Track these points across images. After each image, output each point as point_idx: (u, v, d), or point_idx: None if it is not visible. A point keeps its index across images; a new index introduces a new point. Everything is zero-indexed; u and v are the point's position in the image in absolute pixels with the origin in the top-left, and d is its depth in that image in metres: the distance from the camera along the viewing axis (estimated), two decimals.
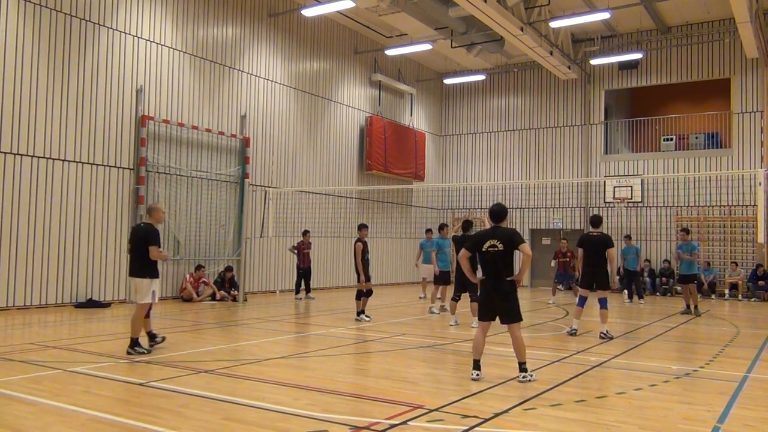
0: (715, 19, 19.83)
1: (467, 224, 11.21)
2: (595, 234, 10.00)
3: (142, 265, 7.80)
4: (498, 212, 6.77)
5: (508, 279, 6.56)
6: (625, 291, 17.26)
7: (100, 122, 13.53)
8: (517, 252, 6.60)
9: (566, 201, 21.98)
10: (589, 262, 9.94)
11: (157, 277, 7.95)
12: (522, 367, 6.44)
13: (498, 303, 6.55)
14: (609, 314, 10.13)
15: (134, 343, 7.70)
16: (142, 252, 7.76)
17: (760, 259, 18.68)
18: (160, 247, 7.85)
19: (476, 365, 6.52)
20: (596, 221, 10.15)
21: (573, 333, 9.81)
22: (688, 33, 20.37)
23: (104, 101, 13.61)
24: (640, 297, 16.70)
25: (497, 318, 6.63)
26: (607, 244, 9.84)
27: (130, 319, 7.95)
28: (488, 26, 16.83)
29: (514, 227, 23.07)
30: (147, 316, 8.01)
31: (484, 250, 6.58)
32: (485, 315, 6.64)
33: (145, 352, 7.69)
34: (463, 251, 6.79)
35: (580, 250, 10.12)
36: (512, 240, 6.52)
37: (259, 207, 16.19)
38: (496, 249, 6.49)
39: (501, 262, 6.51)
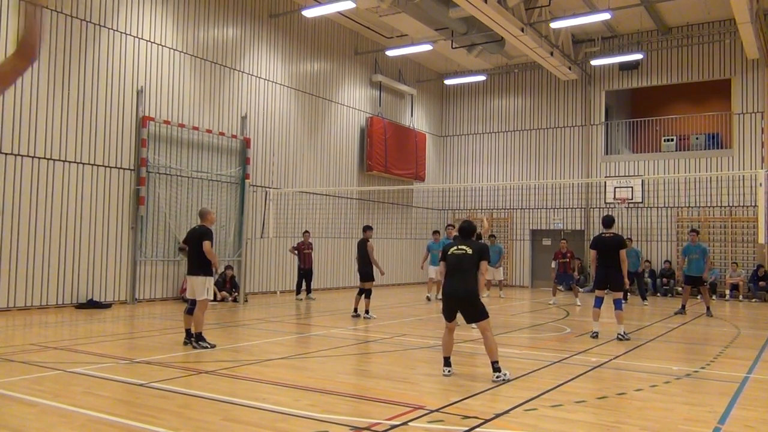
0: (716, 19, 19.83)
1: (608, 220, 11.15)
2: (607, 235, 9.95)
3: (197, 264, 8.35)
4: (466, 229, 7.10)
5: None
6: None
7: (100, 123, 13.54)
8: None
9: (567, 201, 21.98)
10: (602, 264, 9.87)
11: (211, 275, 8.50)
12: (495, 367, 6.50)
13: (462, 305, 6.75)
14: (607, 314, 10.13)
15: (199, 337, 8.23)
16: (198, 251, 8.31)
17: (760, 259, 18.67)
18: (210, 242, 8.35)
19: (446, 362, 6.83)
20: (608, 222, 10.09)
21: (595, 336, 9.76)
22: (688, 33, 20.37)
23: (105, 102, 13.62)
24: (643, 298, 16.62)
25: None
26: (620, 245, 9.82)
27: (202, 321, 8.38)
28: (489, 27, 16.83)
29: (513, 229, 23.11)
30: (190, 313, 8.43)
31: (450, 253, 6.87)
32: (448, 315, 6.88)
33: (209, 347, 8.17)
34: (441, 264, 7.06)
35: (593, 252, 10.08)
36: (482, 251, 6.82)
37: (260, 208, 16.19)
38: (465, 252, 6.78)
39: (468, 264, 6.73)
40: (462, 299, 6.74)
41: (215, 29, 16.14)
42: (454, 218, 24.00)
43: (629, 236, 18.60)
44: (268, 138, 17.60)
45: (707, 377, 7.00)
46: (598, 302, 9.99)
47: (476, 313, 6.71)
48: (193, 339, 8.29)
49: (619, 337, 9.59)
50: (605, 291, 10.00)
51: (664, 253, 20.18)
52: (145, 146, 14.12)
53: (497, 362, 6.52)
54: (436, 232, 16.30)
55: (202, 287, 8.33)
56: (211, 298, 8.62)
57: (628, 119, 23.84)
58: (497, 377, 6.43)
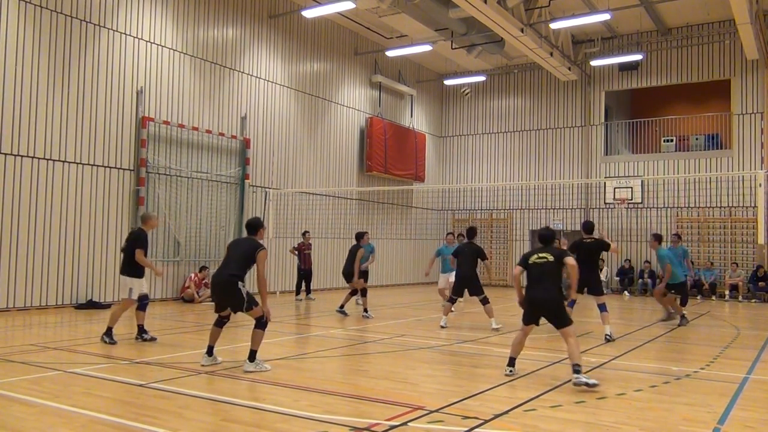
0: (716, 20, 19.83)
1: (471, 232, 11.25)
2: (588, 240, 10.05)
3: (127, 264, 8.71)
4: (546, 236, 7.20)
5: (565, 294, 6.99)
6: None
7: (100, 123, 13.54)
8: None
9: (566, 202, 21.97)
10: (582, 267, 9.90)
11: (138, 276, 8.72)
12: (575, 369, 6.29)
13: (547, 312, 6.76)
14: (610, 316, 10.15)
15: (107, 331, 8.53)
16: (131, 254, 8.64)
17: (760, 260, 18.67)
18: (146, 251, 8.64)
19: (511, 362, 6.86)
20: (589, 227, 10.22)
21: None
22: (688, 34, 20.38)
23: (105, 102, 13.63)
24: (683, 304, 13.04)
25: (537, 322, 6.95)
26: (602, 247, 10.02)
27: (115, 318, 8.68)
28: (488, 27, 16.83)
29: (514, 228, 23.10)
30: (142, 309, 8.81)
31: (531, 262, 6.92)
32: (529, 320, 6.87)
33: (107, 342, 8.45)
34: (516, 268, 7.15)
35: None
36: (561, 255, 6.92)
37: (260, 208, 16.19)
38: (546, 260, 6.85)
39: (550, 271, 6.80)
40: (546, 307, 6.75)
41: (215, 29, 16.15)
42: (454, 218, 24.03)
43: (677, 232, 16.08)
44: (267, 138, 17.60)
45: (707, 378, 7.00)
46: (571, 303, 10.04)
47: (560, 320, 6.67)
48: (137, 333, 8.76)
49: (607, 338, 9.60)
50: (583, 294, 10.13)
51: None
52: (145, 146, 14.12)
53: (578, 365, 6.29)
54: (450, 234, 14.73)
55: (126, 287, 8.66)
56: (135, 298, 8.71)
57: (627, 120, 23.85)
58: (577, 378, 6.20)
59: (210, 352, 7.07)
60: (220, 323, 7.20)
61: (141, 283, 8.75)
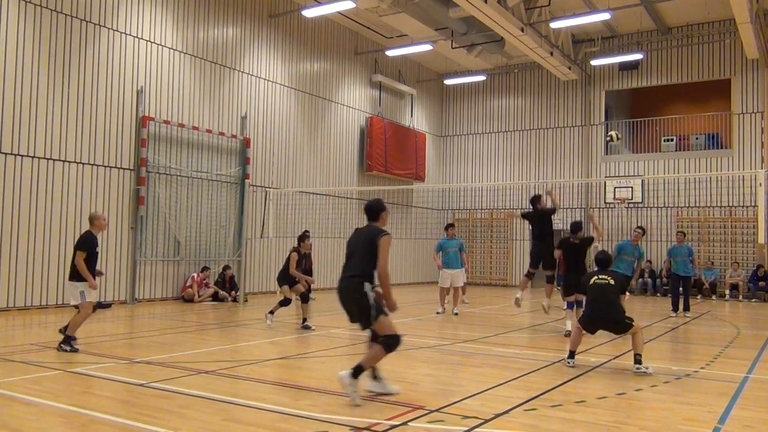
0: (716, 19, 19.83)
1: (576, 226, 10.97)
2: (575, 242, 10.29)
3: (72, 269, 7.98)
4: (604, 260, 7.67)
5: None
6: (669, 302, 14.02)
7: (100, 123, 13.54)
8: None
9: (567, 202, 21.94)
10: (569, 267, 10.47)
11: (83, 280, 7.93)
12: (636, 359, 7.00)
13: (608, 327, 7.33)
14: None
15: (66, 340, 7.89)
16: (74, 257, 7.98)
17: (760, 259, 18.67)
18: (91, 255, 7.93)
19: (571, 355, 7.34)
20: (576, 228, 10.57)
21: (569, 335, 9.90)
22: (688, 34, 20.37)
23: (105, 102, 13.62)
24: (686, 308, 13.28)
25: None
26: (588, 244, 10.63)
27: (77, 321, 8.02)
28: (488, 27, 16.83)
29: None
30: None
31: (591, 283, 7.33)
32: (589, 329, 7.40)
33: (68, 350, 7.78)
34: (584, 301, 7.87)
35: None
36: (623, 284, 7.43)
37: (260, 207, 16.19)
38: (607, 282, 7.25)
39: (611, 293, 7.22)
40: (608, 323, 7.24)
41: (215, 29, 16.14)
42: (454, 218, 24.01)
43: (681, 230, 15.82)
44: (268, 138, 17.60)
45: (707, 377, 7.00)
46: (570, 305, 10.35)
47: (623, 328, 7.19)
48: (62, 340, 7.90)
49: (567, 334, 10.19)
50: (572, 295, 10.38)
51: (664, 253, 20.15)
52: (145, 146, 14.12)
53: (639, 355, 7.00)
54: (450, 226, 13.90)
55: (76, 291, 7.92)
56: (90, 300, 8.01)
57: (627, 119, 23.83)
58: (637, 368, 6.92)
59: (375, 376, 5.82)
60: (376, 337, 5.87)
61: (84, 285, 7.97)
